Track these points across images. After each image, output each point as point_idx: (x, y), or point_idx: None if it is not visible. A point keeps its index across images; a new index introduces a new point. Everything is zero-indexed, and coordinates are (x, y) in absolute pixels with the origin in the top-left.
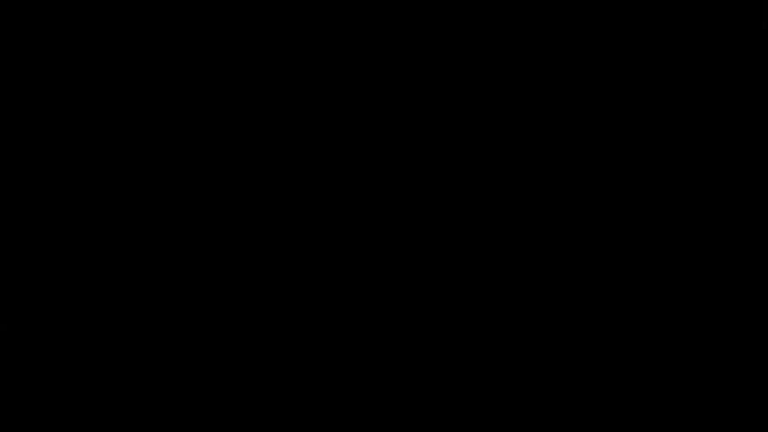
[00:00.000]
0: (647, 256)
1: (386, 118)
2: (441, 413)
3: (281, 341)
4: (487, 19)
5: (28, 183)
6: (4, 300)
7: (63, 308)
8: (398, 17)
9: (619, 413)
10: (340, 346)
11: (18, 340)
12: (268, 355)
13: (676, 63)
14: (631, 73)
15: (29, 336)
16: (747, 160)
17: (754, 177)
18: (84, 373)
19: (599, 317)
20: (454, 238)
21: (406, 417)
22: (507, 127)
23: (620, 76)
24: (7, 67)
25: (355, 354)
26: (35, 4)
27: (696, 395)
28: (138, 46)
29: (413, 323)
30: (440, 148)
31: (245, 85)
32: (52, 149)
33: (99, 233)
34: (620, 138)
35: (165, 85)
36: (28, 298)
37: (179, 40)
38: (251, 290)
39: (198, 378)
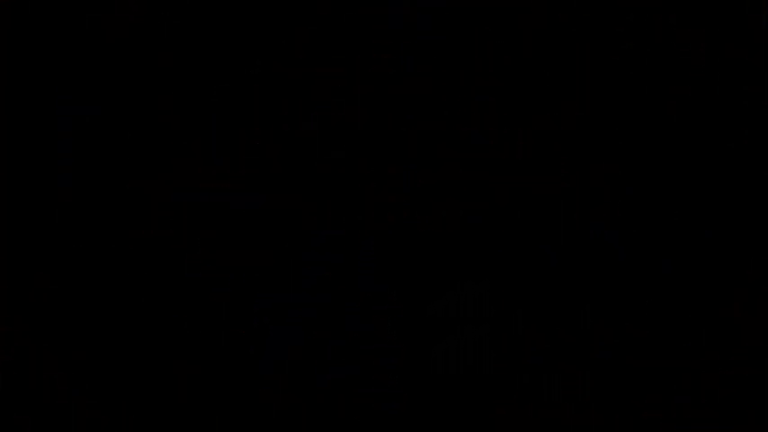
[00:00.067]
0: (647, 256)
1: (386, 118)
2: (441, 413)
3: (281, 341)
4: (487, 19)
5: (28, 183)
6: (4, 300)
7: (63, 308)
8: (398, 17)
9: (619, 413)
10: (340, 346)
11: (18, 340)
12: (268, 355)
13: (676, 63)
14: (631, 73)
15: (29, 336)
16: (747, 160)
17: (754, 177)
18: (84, 373)
19: (599, 317)
20: (454, 238)
21: (406, 417)
22: (507, 127)
23: (620, 76)
24: (7, 67)
25: (355, 354)
26: (35, 4)
27: (696, 395)
28: (138, 46)
29: (413, 323)
30: (440, 148)
31: (245, 85)
32: (52, 149)
33: (99, 233)
34: (620, 138)
35: (165, 85)
36: (28, 298)
37: (179, 40)
38: (251, 290)
39: (198, 378)
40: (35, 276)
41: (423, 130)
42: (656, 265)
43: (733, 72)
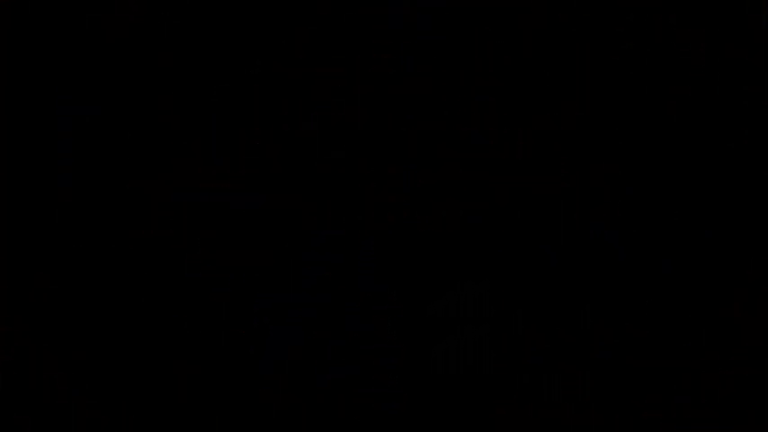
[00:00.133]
0: (647, 256)
1: (386, 118)
2: (441, 413)
3: (281, 341)
4: (487, 19)
5: (28, 183)
6: (4, 300)
7: (63, 308)
8: (398, 17)
9: (619, 413)
10: (340, 346)
11: (18, 340)
12: (268, 355)
13: (676, 63)
14: (631, 73)
15: (29, 336)
16: (747, 160)
17: (754, 177)
18: (84, 373)
19: (599, 317)
20: (454, 238)
21: (406, 417)
22: (507, 127)
23: (620, 76)
24: (7, 67)
25: (355, 354)
26: (35, 4)
27: (696, 395)
28: (138, 46)
29: (413, 323)
30: (440, 148)
31: (245, 85)
32: (52, 149)
33: (99, 233)
34: (620, 138)
35: (165, 85)
36: (28, 298)
37: (179, 40)
38: (251, 290)
39: (198, 378)
40: (35, 276)
41: (423, 130)
42: (656, 265)
43: (733, 72)
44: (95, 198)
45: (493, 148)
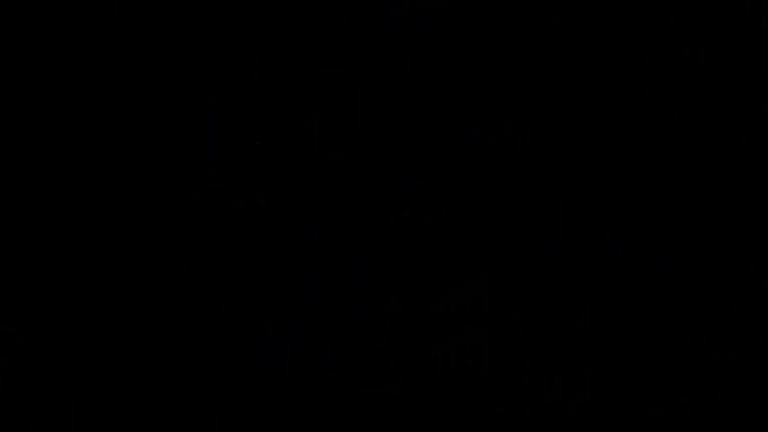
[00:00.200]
0: (647, 256)
1: (386, 118)
2: (441, 413)
3: (281, 341)
4: (487, 19)
5: (28, 183)
6: (4, 300)
7: (63, 308)
8: (398, 17)
9: (619, 413)
10: (340, 346)
11: (18, 340)
12: (268, 355)
13: (676, 63)
14: (631, 73)
15: (29, 336)
16: (747, 160)
17: (754, 177)
18: (84, 373)
19: (599, 317)
20: (454, 238)
21: (406, 417)
22: (507, 127)
23: (620, 76)
24: (7, 67)
25: (355, 354)
26: (35, 4)
27: (696, 395)
28: (138, 46)
29: (413, 323)
30: (440, 148)
31: (245, 85)
32: (52, 149)
33: (99, 233)
34: (620, 138)
35: (165, 85)
36: (28, 298)
37: (179, 40)
38: (251, 290)
39: (198, 378)
40: (35, 276)
41: (423, 130)
42: (656, 265)
43: (733, 72)
44: (95, 198)
45: (493, 148)
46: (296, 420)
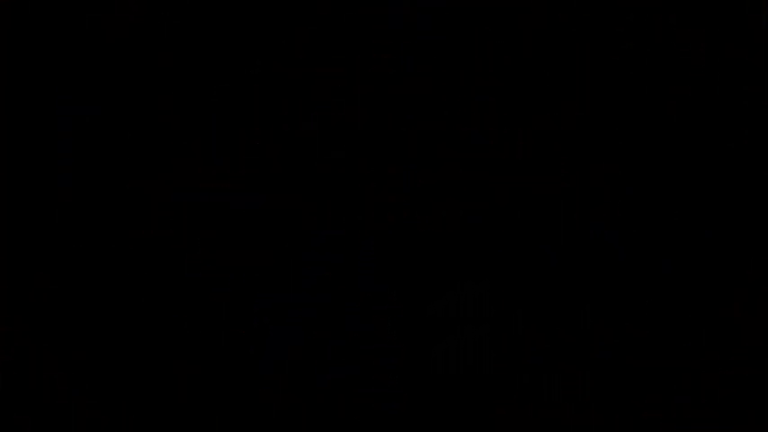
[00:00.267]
0: (647, 256)
1: (386, 118)
2: (441, 413)
3: (281, 341)
4: (487, 19)
5: (28, 183)
6: (4, 300)
7: (63, 308)
8: (398, 17)
9: (619, 413)
10: (340, 346)
11: (18, 340)
12: (268, 355)
13: (676, 63)
14: (631, 73)
15: (29, 336)
16: (747, 160)
17: (754, 177)
18: (84, 373)
19: (599, 317)
20: (454, 238)
21: (406, 417)
22: (507, 127)
23: (620, 76)
24: (7, 67)
25: (355, 354)
26: (35, 4)
27: (696, 395)
28: (138, 46)
29: (413, 323)
30: (440, 148)
31: (245, 85)
32: (52, 149)
33: (99, 233)
34: (620, 138)
35: (165, 85)
36: (28, 298)
37: (179, 40)
38: (251, 290)
39: (198, 378)
40: (35, 276)
41: (423, 130)
42: (656, 265)
43: (733, 72)
44: (95, 198)
45: (493, 148)
46: (296, 420)
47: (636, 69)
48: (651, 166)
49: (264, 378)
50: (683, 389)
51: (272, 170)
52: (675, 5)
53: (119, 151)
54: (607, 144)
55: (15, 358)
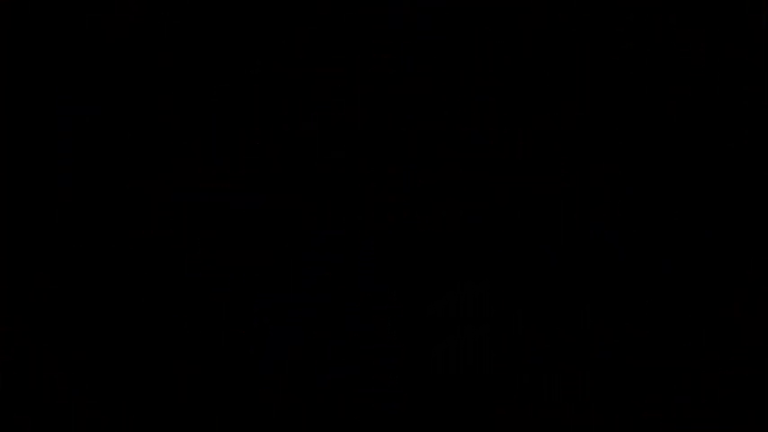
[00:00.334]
0: (647, 256)
1: (386, 118)
2: (441, 413)
3: (281, 341)
4: (487, 19)
5: (28, 183)
6: (4, 300)
7: (63, 308)
8: (398, 17)
9: (619, 413)
10: (340, 346)
11: (18, 340)
12: (268, 355)
13: (676, 63)
14: (631, 73)
15: (29, 336)
16: (747, 160)
17: (754, 177)
18: (84, 373)
19: (599, 317)
20: (454, 238)
21: (406, 417)
22: (507, 127)
23: (620, 76)
24: (7, 67)
25: (355, 354)
26: (35, 4)
27: (696, 395)
28: (138, 46)
29: (413, 323)
30: (440, 148)
31: (245, 85)
32: (52, 149)
33: (99, 233)
34: (620, 138)
35: (165, 85)
36: (28, 298)
37: (179, 40)
38: (251, 290)
39: (198, 378)
40: (35, 276)
41: (423, 130)
42: (656, 265)
43: (733, 72)
44: (95, 198)
45: (493, 148)
46: (296, 420)
47: (636, 69)
48: (651, 167)
49: (264, 378)
50: (683, 389)
51: (272, 170)
52: (675, 5)
53: (119, 151)
54: (607, 144)
55: (15, 358)
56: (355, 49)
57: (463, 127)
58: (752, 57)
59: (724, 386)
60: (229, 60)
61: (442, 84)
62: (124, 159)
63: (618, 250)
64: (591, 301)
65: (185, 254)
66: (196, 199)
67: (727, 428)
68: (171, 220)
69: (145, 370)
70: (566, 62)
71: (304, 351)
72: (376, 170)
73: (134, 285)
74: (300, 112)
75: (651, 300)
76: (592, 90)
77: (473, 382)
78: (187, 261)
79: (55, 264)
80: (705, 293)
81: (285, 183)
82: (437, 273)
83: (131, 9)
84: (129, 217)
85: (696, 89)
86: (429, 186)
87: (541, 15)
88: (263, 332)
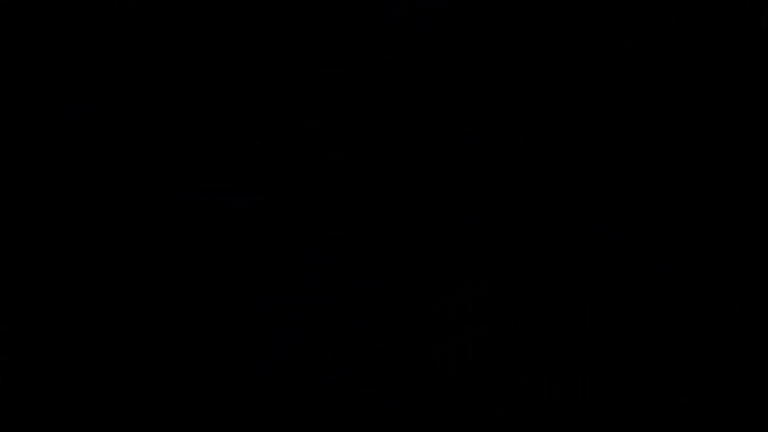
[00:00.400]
0: (647, 256)
1: (386, 118)
2: (441, 413)
3: (281, 341)
4: (487, 19)
5: (28, 183)
6: (4, 300)
7: (63, 308)
8: (398, 17)
9: (619, 413)
10: (340, 346)
11: (18, 340)
12: (268, 355)
13: (676, 63)
14: (631, 73)
15: (29, 336)
16: (747, 160)
17: (754, 177)
18: (84, 373)
19: (599, 317)
20: (454, 238)
21: (406, 417)
22: (507, 127)
23: (620, 76)
24: (7, 67)
25: (355, 354)
26: (35, 4)
27: (696, 395)
28: (138, 46)
29: (413, 323)
30: (440, 148)
31: (245, 85)
32: (52, 149)
33: (99, 233)
34: (620, 138)
35: (165, 85)
36: (28, 298)
37: (179, 40)
38: (251, 290)
39: (198, 378)
40: (35, 276)
41: (423, 130)
42: (656, 265)
43: (733, 72)
44: (95, 198)
45: (493, 148)
46: (296, 420)
47: (636, 69)
48: (651, 167)
49: (264, 378)
50: (683, 389)
51: (272, 170)
52: (675, 5)
53: (119, 151)
54: (607, 144)
55: (15, 358)
56: (355, 49)
57: (463, 127)
58: (752, 57)
59: (724, 386)
60: (229, 60)
61: (442, 84)
62: (124, 159)
63: (618, 250)
64: (591, 301)
65: (185, 254)
66: (196, 199)
67: (727, 428)
68: (171, 220)
69: (145, 370)
70: (566, 62)
71: (304, 351)
72: (376, 170)
73: (134, 285)
74: (300, 112)
75: (651, 300)
76: (592, 90)
77: (473, 382)
78: (187, 261)
79: (55, 264)
80: (705, 293)
81: (285, 183)
82: (437, 273)
83: (131, 9)
84: (129, 217)
85: (696, 89)
86: (429, 186)
87: (541, 15)
88: (263, 332)
